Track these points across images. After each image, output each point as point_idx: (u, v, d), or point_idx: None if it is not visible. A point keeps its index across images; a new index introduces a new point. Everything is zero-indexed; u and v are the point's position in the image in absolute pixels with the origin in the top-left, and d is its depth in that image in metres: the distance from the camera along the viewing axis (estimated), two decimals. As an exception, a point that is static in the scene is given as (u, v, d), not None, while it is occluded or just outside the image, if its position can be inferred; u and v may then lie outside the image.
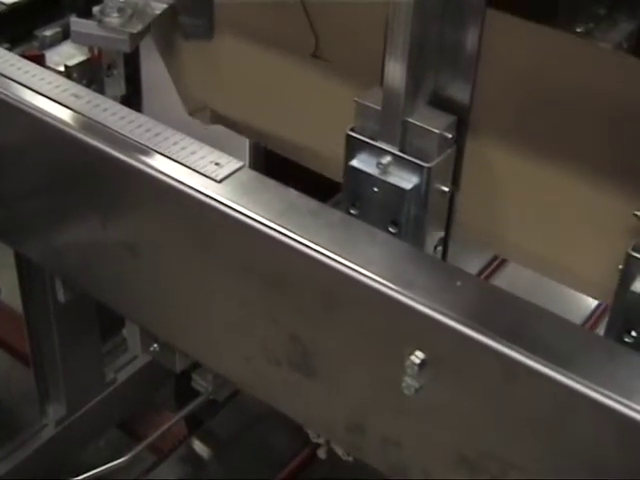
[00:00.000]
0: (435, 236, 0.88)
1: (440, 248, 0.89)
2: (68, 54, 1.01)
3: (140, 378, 1.53)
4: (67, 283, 1.15)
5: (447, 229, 0.89)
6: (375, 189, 0.84)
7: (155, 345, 1.07)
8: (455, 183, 0.86)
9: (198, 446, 1.46)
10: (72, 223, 0.92)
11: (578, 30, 0.82)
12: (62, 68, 0.99)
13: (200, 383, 1.30)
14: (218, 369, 0.91)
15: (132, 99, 1.07)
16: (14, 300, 1.44)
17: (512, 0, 0.78)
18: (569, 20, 0.81)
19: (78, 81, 0.99)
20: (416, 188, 0.83)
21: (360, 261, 0.73)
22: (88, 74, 1.00)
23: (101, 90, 1.01)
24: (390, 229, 0.85)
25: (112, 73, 1.00)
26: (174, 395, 1.50)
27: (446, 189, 0.85)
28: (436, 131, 0.82)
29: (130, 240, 0.87)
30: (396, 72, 0.81)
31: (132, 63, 1.06)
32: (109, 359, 1.52)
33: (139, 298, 0.91)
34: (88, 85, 1.00)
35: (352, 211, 0.86)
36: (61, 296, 1.24)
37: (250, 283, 0.80)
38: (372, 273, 0.72)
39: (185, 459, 1.49)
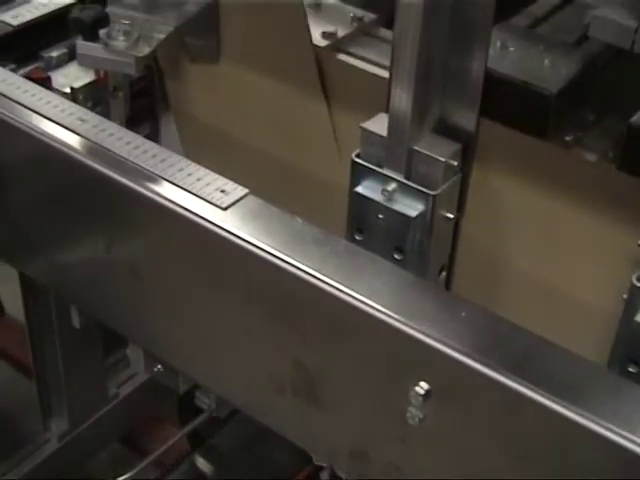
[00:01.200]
0: (439, 262, 0.88)
1: (444, 274, 0.89)
2: (74, 75, 1.01)
3: (143, 393, 1.53)
4: (70, 304, 1.15)
5: (452, 255, 0.89)
6: (380, 216, 0.84)
7: (159, 366, 1.07)
8: (460, 210, 0.86)
9: (201, 462, 1.46)
10: (77, 245, 0.92)
11: (567, 139, 0.83)
12: (68, 90, 0.99)
13: (203, 400, 1.30)
14: (221, 393, 0.91)
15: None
16: (18, 312, 1.44)
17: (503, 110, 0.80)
18: (559, 128, 0.82)
19: (84, 103, 0.99)
20: (421, 215, 0.83)
21: (365, 291, 0.73)
22: (94, 96, 1.00)
23: (106, 112, 1.01)
24: (395, 255, 0.85)
25: (117, 95, 1.00)
26: (177, 412, 1.50)
27: (451, 216, 0.85)
28: (442, 159, 0.82)
29: (135, 264, 0.87)
30: (402, 99, 0.81)
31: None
32: (112, 374, 1.52)
33: (143, 321, 0.91)
34: (93, 107, 1.00)
35: (357, 237, 0.86)
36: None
37: (255, 310, 0.80)
38: (377, 303, 0.72)
39: (188, 475, 1.49)
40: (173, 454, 1.53)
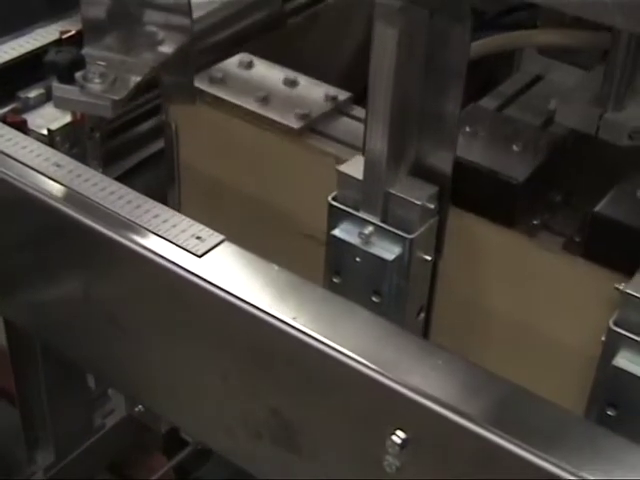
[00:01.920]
0: (418, 304, 0.88)
1: (423, 315, 0.89)
2: (51, 116, 1.00)
3: (128, 424, 1.52)
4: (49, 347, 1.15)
5: (430, 296, 0.89)
6: (357, 259, 0.84)
7: (140, 407, 1.06)
8: (438, 251, 0.86)
9: (187, 496, 1.46)
10: (53, 291, 0.92)
11: (535, 222, 0.84)
12: (45, 131, 0.99)
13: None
14: (200, 438, 0.91)
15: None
16: (2, 338, 1.43)
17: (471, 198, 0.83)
18: (526, 212, 0.84)
19: (61, 144, 0.99)
20: (398, 258, 0.83)
21: (341, 340, 0.72)
22: (71, 137, 1.00)
23: (83, 152, 1.01)
24: (373, 298, 0.85)
25: (94, 136, 1.00)
26: (162, 444, 1.49)
27: (428, 258, 0.85)
28: (418, 202, 0.82)
29: (111, 310, 0.86)
30: (377, 142, 0.81)
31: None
32: (97, 405, 1.51)
33: (121, 367, 0.91)
34: (71, 148, 1.00)
35: (335, 280, 0.86)
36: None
37: (230, 357, 0.80)
38: (353, 353, 0.72)
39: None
40: (160, 486, 1.52)
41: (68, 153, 0.99)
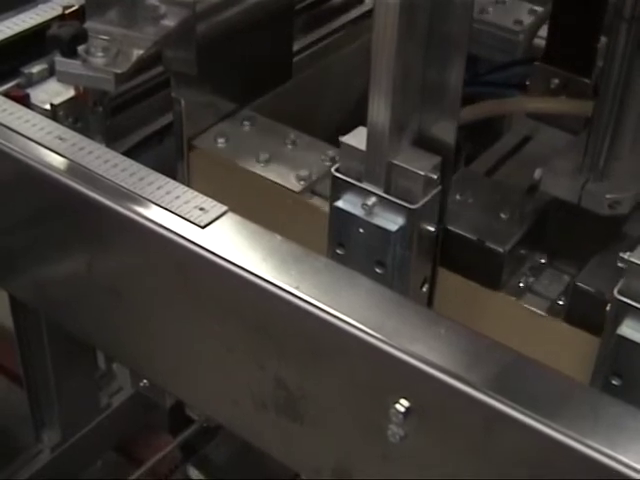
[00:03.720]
0: (421, 275, 0.87)
1: (427, 286, 0.89)
2: (54, 91, 1.00)
3: (134, 403, 1.53)
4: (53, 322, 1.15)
5: (433, 268, 0.88)
6: (360, 230, 0.83)
7: (145, 381, 1.06)
8: (440, 222, 0.86)
9: (194, 473, 1.46)
10: (57, 264, 0.92)
11: (520, 285, 0.88)
12: (48, 106, 0.99)
13: (194, 411, 1.30)
14: (205, 410, 0.91)
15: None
16: (8, 320, 1.43)
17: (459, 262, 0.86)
18: (512, 275, 0.88)
19: (64, 119, 0.99)
20: (402, 229, 0.82)
21: (344, 309, 0.72)
22: (74, 112, 1.00)
23: (86, 127, 1.01)
24: (377, 269, 0.84)
25: (97, 110, 1.00)
26: (168, 422, 1.50)
27: (432, 229, 0.85)
28: (421, 173, 0.81)
29: (115, 283, 0.86)
30: (380, 113, 0.81)
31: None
32: (103, 384, 1.51)
33: (125, 340, 0.91)
34: (74, 123, 1.00)
35: (338, 251, 0.86)
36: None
37: (235, 328, 0.79)
38: (355, 321, 0.72)
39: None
40: (166, 464, 1.52)
41: (71, 128, 0.99)
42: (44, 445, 1.48)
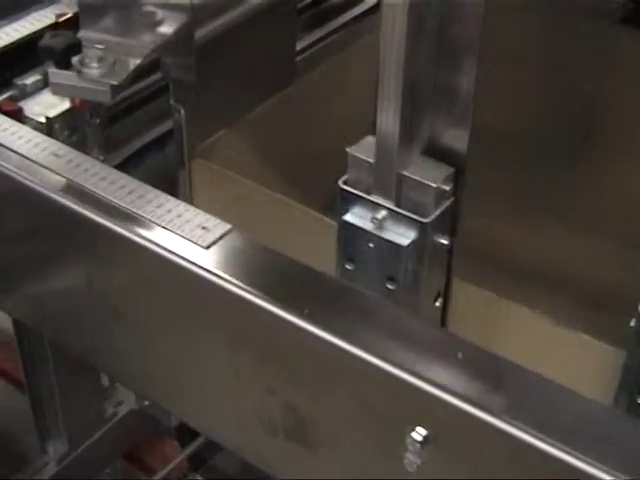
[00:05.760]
0: (434, 290, 0.84)
1: (441, 300, 0.85)
2: (49, 103, 0.96)
3: (141, 412, 1.50)
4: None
5: (447, 281, 0.85)
6: (370, 245, 0.80)
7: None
8: (453, 234, 0.83)
9: (202, 483, 1.43)
10: (56, 285, 0.89)
11: None
12: (43, 119, 0.95)
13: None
14: (212, 435, 0.88)
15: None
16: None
17: None
18: None
19: (60, 132, 0.95)
20: (413, 243, 0.79)
21: (355, 334, 0.69)
22: (70, 124, 0.96)
23: (83, 139, 0.97)
24: (388, 285, 0.81)
25: (95, 122, 0.96)
26: (176, 432, 1.47)
27: (445, 242, 0.81)
28: (433, 185, 0.78)
29: (117, 304, 0.83)
30: (388, 121, 0.77)
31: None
32: (109, 393, 1.48)
33: (128, 362, 0.88)
34: (70, 135, 0.96)
35: (347, 266, 0.83)
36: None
37: (241, 352, 0.76)
38: (368, 347, 0.68)
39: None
40: (175, 473, 1.50)
41: (67, 141, 0.96)
42: (50, 457, 1.45)
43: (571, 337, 0.81)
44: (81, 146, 0.97)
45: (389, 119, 0.77)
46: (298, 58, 1.11)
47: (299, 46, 1.11)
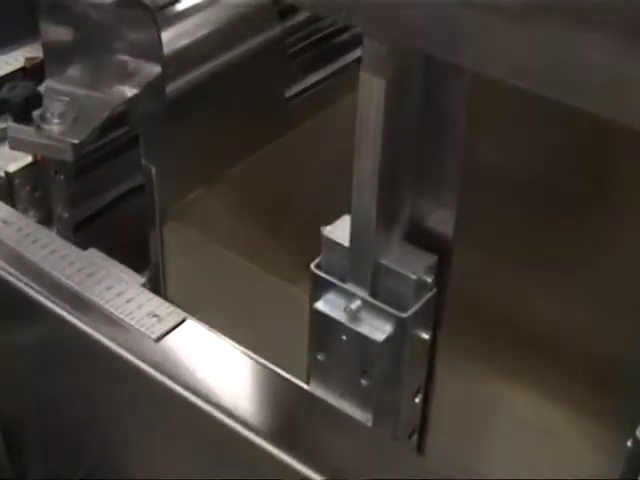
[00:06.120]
0: (414, 386, 0.76)
1: (421, 396, 0.77)
2: (10, 156, 0.89)
3: None
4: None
5: (428, 376, 0.77)
6: (343, 337, 0.72)
7: None
8: (437, 327, 0.75)
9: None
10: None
11: None
12: (2, 173, 0.88)
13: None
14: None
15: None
16: None
17: None
18: None
19: (21, 188, 0.89)
20: (389, 339, 0.71)
21: (319, 457, 0.61)
22: (32, 180, 0.89)
23: (47, 195, 0.90)
24: (362, 381, 0.73)
25: (59, 178, 0.89)
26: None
27: (426, 337, 0.73)
28: (413, 276, 0.70)
29: (69, 391, 0.76)
30: (364, 204, 0.69)
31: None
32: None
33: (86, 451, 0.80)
34: (32, 191, 0.89)
35: (319, 357, 0.75)
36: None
37: (197, 459, 0.68)
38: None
39: None
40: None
41: (30, 197, 0.89)
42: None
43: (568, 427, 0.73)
44: (45, 203, 0.90)
45: (365, 201, 0.69)
46: (283, 113, 1.02)
47: (288, 94, 1.02)
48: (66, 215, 0.90)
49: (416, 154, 0.69)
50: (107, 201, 0.94)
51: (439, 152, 0.69)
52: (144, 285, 0.79)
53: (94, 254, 0.85)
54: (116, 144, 0.93)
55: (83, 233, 0.90)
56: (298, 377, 0.77)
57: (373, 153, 0.67)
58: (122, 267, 0.83)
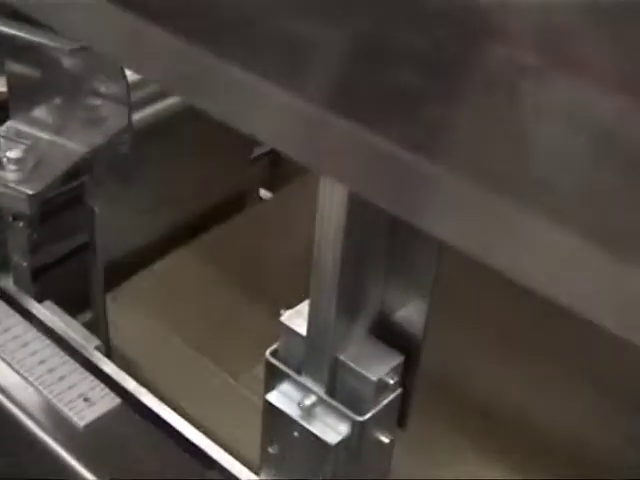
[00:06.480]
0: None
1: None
2: (-35, 201, 0.83)
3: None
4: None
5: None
6: (295, 434, 0.65)
7: None
8: (401, 426, 0.67)
9: None
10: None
11: None
12: (-43, 218, 0.82)
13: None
14: None
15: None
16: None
17: None
18: None
19: (-25, 234, 0.83)
20: (345, 441, 0.64)
21: None
22: (-12, 226, 0.84)
23: (4, 242, 0.84)
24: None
25: (18, 225, 0.83)
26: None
27: (386, 440, 0.66)
28: (373, 378, 0.63)
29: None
30: (323, 293, 0.62)
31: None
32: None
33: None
34: (-11, 239, 0.83)
35: (270, 450, 0.68)
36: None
37: None
38: None
39: None
40: None
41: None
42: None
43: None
44: (2, 249, 0.84)
45: (324, 289, 0.62)
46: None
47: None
48: (24, 264, 0.84)
49: (387, 239, 0.63)
50: (70, 248, 0.88)
51: (413, 240, 0.62)
52: (98, 348, 0.74)
53: (50, 308, 0.79)
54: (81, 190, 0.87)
55: (41, 283, 0.84)
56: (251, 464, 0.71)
57: (334, 237, 0.60)
58: (78, 326, 0.77)
